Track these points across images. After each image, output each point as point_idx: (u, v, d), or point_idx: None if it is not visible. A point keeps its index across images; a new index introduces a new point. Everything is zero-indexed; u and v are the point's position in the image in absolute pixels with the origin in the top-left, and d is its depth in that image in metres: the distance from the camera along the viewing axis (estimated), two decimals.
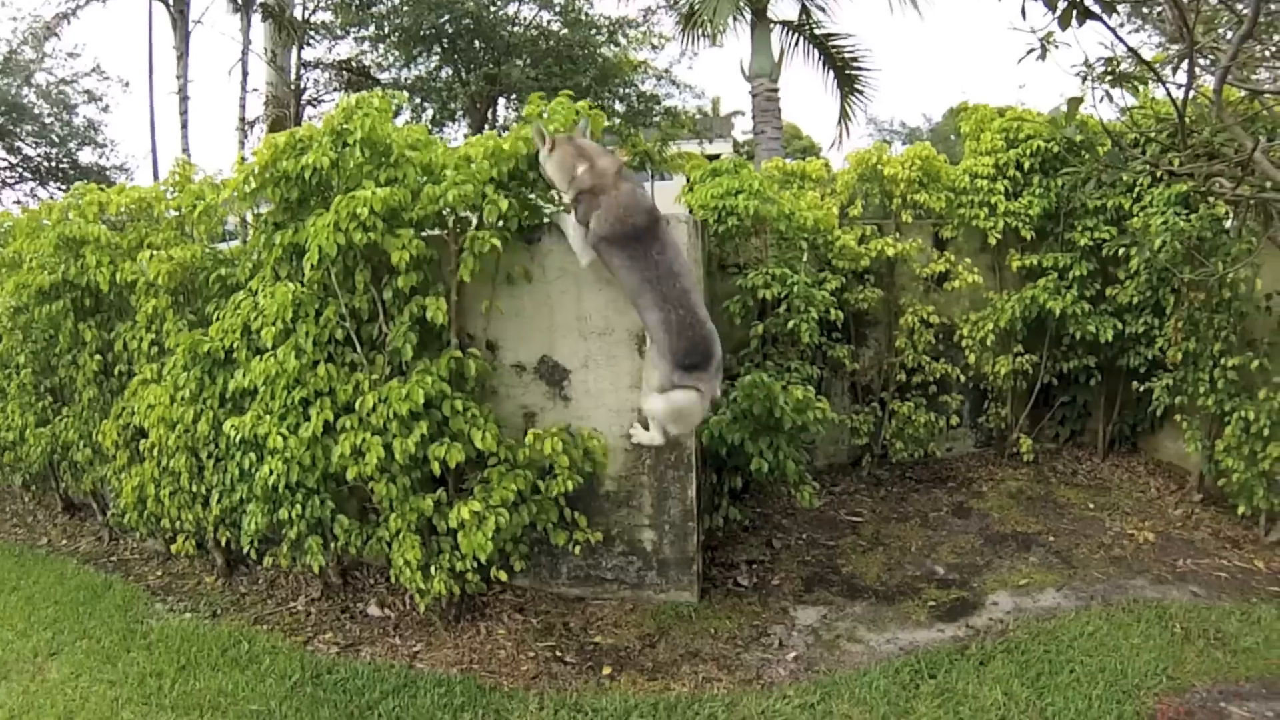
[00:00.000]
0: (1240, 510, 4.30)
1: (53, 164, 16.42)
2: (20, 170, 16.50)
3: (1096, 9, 2.67)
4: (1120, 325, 5.00)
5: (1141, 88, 4.70)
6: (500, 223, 3.39)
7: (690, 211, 4.44)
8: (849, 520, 4.95)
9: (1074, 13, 2.67)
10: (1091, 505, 4.93)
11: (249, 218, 4.56)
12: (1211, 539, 4.38)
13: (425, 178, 3.44)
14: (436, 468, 3.28)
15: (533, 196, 3.57)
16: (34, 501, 6.04)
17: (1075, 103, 3.46)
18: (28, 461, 5.23)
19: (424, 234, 3.48)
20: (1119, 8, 3.48)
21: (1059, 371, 5.44)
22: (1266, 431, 4.06)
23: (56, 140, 16.37)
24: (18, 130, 15.82)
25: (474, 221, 3.46)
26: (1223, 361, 4.32)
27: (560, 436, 3.50)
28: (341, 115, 3.52)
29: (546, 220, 3.47)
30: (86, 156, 16.74)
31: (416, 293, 3.39)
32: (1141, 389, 4.94)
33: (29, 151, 16.50)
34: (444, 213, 3.44)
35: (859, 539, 4.67)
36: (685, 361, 3.20)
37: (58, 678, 3.58)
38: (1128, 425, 5.54)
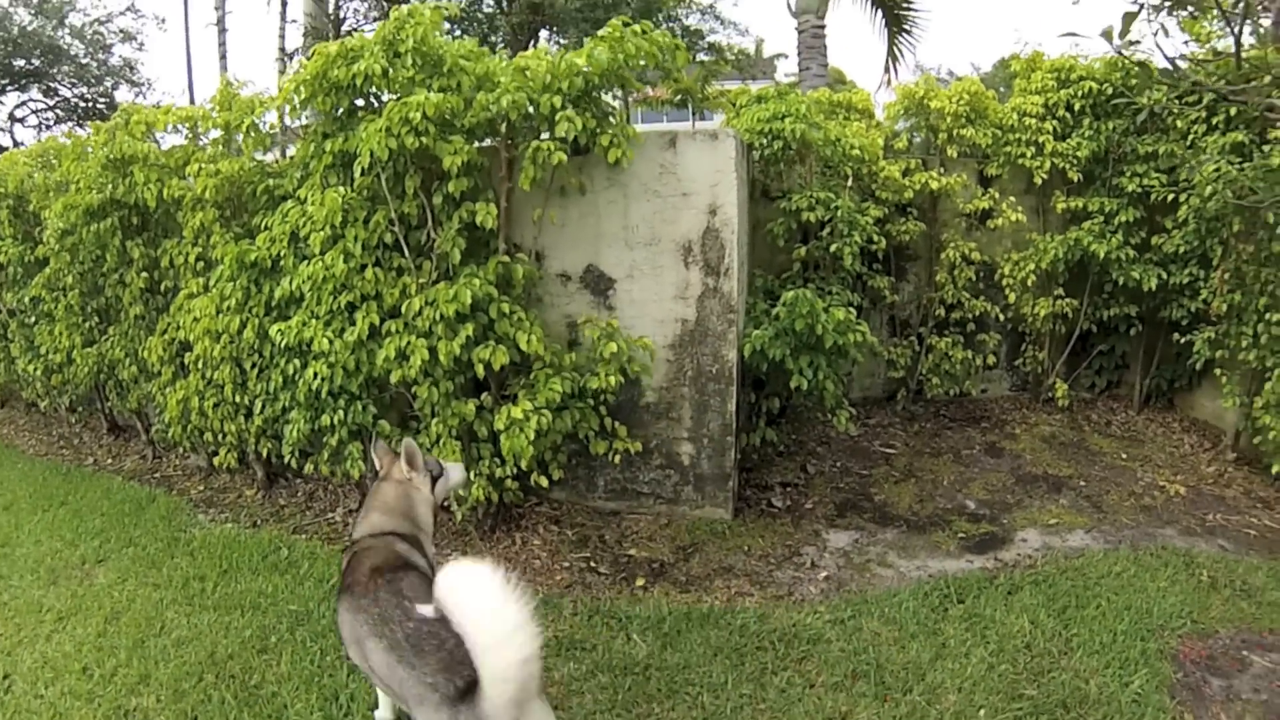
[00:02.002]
0: (1275, 470, 4.20)
1: (90, 104, 16.54)
2: (58, 111, 16.68)
3: None
4: (1164, 275, 4.89)
5: (1198, 21, 4.56)
6: (569, 136, 3.30)
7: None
8: (882, 452, 4.97)
9: None
10: (1124, 455, 4.88)
11: (290, 151, 4.58)
12: (1243, 497, 4.32)
13: (478, 87, 3.42)
14: (481, 370, 3.31)
15: (608, 118, 3.51)
16: (80, 424, 6.22)
17: (1130, 16, 3.36)
18: (75, 382, 5.37)
19: (475, 145, 3.47)
20: None
21: (1099, 319, 5.36)
22: None
23: (93, 80, 16.46)
24: (54, 72, 15.95)
25: (531, 132, 3.43)
26: (1268, 316, 4.21)
27: (607, 323, 3.51)
28: (393, 25, 3.49)
29: (598, 131, 3.42)
30: (123, 95, 16.87)
31: (466, 199, 3.39)
32: (1182, 341, 4.84)
33: (66, 93, 16.67)
34: (496, 121, 3.42)
35: (892, 470, 4.69)
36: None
37: (105, 582, 3.72)
38: (1165, 380, 5.44)
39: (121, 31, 16.72)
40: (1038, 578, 3.45)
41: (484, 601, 1.65)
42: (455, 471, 2.75)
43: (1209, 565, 3.51)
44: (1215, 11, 3.65)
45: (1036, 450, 4.95)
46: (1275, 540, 3.83)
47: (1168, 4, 3.66)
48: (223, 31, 9.79)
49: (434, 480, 2.58)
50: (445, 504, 3.95)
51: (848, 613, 3.21)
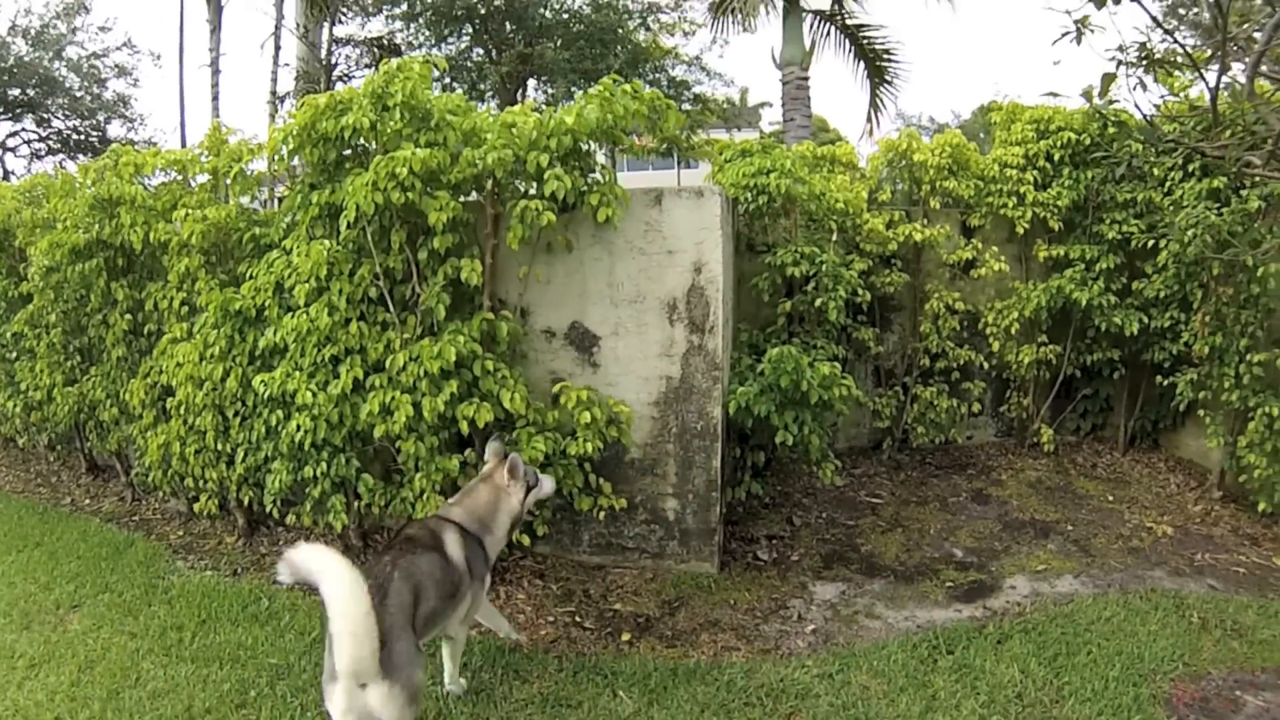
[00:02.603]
0: (1261, 507, 4.30)
1: (82, 137, 16.73)
2: (50, 142, 16.83)
3: None
4: (1146, 319, 4.96)
5: (1175, 75, 4.67)
6: (558, 195, 3.30)
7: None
8: (868, 502, 4.96)
9: None
10: (1110, 498, 4.91)
11: (279, 190, 4.59)
12: (1230, 535, 4.36)
13: (465, 143, 3.44)
14: (465, 427, 3.30)
15: (594, 175, 3.54)
16: (59, 462, 6.12)
17: (1109, 78, 3.45)
18: (54, 421, 5.31)
19: (461, 199, 3.48)
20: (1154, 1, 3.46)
21: (1082, 364, 5.42)
22: None
23: (86, 113, 16.66)
24: (48, 103, 16.15)
25: (517, 189, 3.45)
26: (1248, 357, 4.30)
27: (585, 393, 3.51)
28: (382, 79, 3.51)
29: (586, 190, 3.45)
30: (116, 130, 17.10)
31: (452, 254, 3.40)
32: (1165, 383, 4.90)
33: (59, 124, 16.87)
34: (482, 177, 3.44)
35: (878, 520, 4.69)
36: None
37: (79, 629, 3.63)
38: (1149, 421, 5.50)
39: (117, 66, 17.02)
40: (1027, 625, 3.45)
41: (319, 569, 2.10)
42: (548, 484, 3.10)
43: (1199, 606, 3.53)
44: (1189, 65, 3.75)
45: (1023, 496, 4.97)
46: (1264, 577, 3.87)
47: (1144, 62, 3.75)
48: (216, 73, 9.90)
49: (528, 489, 2.92)
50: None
51: (835, 666, 3.18)
